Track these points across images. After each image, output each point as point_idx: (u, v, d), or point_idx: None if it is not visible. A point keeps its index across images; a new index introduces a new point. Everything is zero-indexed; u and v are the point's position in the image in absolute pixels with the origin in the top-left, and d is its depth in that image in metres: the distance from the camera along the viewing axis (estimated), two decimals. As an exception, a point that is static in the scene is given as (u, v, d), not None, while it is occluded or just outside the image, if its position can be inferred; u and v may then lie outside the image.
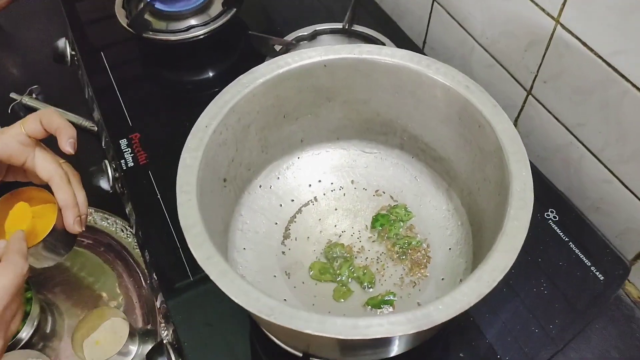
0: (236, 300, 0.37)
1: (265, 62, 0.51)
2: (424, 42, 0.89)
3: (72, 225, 0.50)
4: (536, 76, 0.68)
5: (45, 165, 0.49)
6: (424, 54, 0.88)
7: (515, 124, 0.75)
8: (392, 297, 0.52)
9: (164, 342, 0.56)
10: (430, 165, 0.58)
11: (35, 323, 0.65)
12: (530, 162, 0.71)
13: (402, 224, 0.57)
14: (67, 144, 0.50)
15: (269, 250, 0.55)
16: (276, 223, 0.57)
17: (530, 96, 0.71)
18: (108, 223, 0.76)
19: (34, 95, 0.90)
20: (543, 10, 0.62)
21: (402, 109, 0.55)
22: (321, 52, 0.51)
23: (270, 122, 0.55)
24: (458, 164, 0.54)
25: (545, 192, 0.65)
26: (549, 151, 0.71)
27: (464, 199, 0.55)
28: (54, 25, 0.99)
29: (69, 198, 0.49)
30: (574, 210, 0.63)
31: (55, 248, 0.53)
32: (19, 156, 0.49)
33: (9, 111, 0.88)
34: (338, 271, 0.54)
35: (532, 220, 0.62)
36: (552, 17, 0.61)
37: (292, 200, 0.59)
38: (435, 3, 0.82)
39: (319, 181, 0.60)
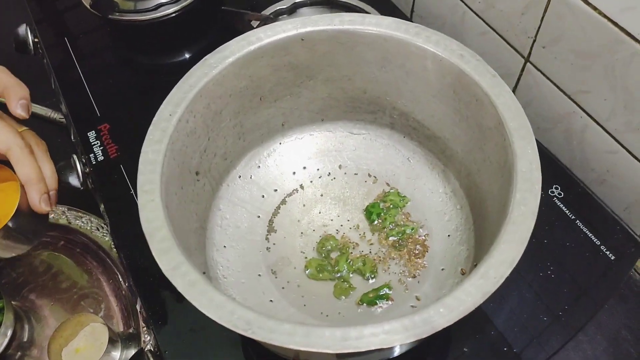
0: (208, 315, 0.32)
1: (235, 39, 0.46)
2: (412, 11, 0.84)
3: (39, 204, 0.42)
4: (534, 41, 0.63)
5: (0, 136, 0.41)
6: (412, 21, 0.83)
7: (515, 90, 0.70)
8: (387, 291, 0.48)
9: (145, 349, 0.52)
10: (423, 144, 0.54)
11: (9, 333, 0.61)
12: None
13: (399, 210, 0.52)
14: (19, 107, 0.42)
15: (253, 246, 0.51)
16: (259, 216, 0.52)
17: (528, 63, 0.65)
18: (82, 222, 0.71)
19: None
20: (541, -34, 0.57)
21: (391, 85, 0.50)
22: (297, 24, 0.46)
23: (245, 105, 0.49)
24: (454, 142, 0.49)
25: (548, 167, 0.60)
26: (550, 122, 0.66)
27: (462, 181, 0.50)
28: (17, 12, 0.92)
29: (31, 172, 0.42)
30: (579, 185, 0.59)
31: (22, 233, 0.46)
32: None
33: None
34: (336, 267, 0.49)
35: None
36: (551, -26, 0.56)
37: (275, 190, 0.54)
38: (422, -33, 0.76)
39: (304, 168, 0.55)
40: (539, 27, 0.61)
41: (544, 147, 0.64)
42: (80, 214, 0.71)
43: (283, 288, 0.48)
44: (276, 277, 0.49)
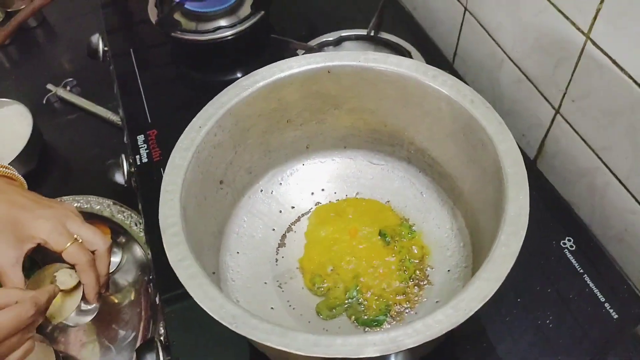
0: (200, 304, 0.36)
1: (268, 65, 0.50)
2: (455, 54, 0.87)
3: (92, 301, 0.55)
4: (565, 94, 0.64)
5: (73, 254, 0.52)
6: (454, 66, 0.86)
7: (542, 144, 0.72)
8: (382, 317, 0.50)
9: (155, 339, 0.56)
10: (436, 181, 0.56)
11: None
12: (554, 186, 0.68)
13: (403, 239, 0.55)
14: (93, 297, 0.54)
15: (263, 256, 0.55)
16: (274, 229, 0.56)
17: (558, 115, 0.67)
18: (124, 216, 0.77)
19: (68, 88, 0.93)
20: (573, 24, 0.58)
21: (410, 121, 0.53)
22: (325, 57, 0.50)
23: (272, 126, 0.54)
24: (463, 182, 0.52)
25: (565, 219, 0.61)
26: (575, 174, 0.67)
27: (468, 220, 0.52)
28: (93, 22, 1.02)
29: (91, 282, 0.53)
30: (593, 240, 0.59)
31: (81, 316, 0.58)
32: (55, 246, 0.52)
33: (44, 102, 0.92)
34: (347, 294, 0.52)
35: (546, 248, 0.59)
36: (583, 32, 0.57)
37: (293, 208, 0.58)
38: (467, 12, 0.79)
39: (322, 190, 0.59)
40: (570, 81, 0.62)
41: (563, 199, 0.64)
42: (122, 208, 0.77)
43: (288, 301, 0.52)
44: (281, 289, 0.53)
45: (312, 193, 0.59)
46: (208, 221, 0.50)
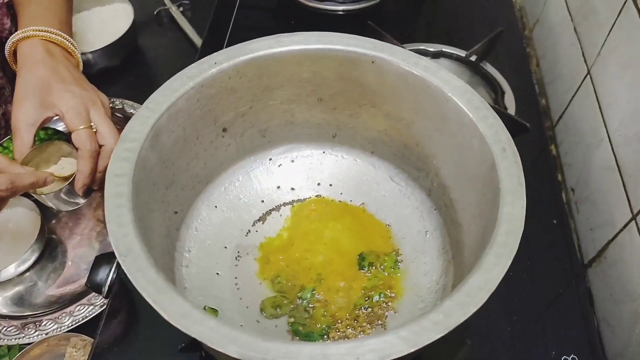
0: (123, 265, 0.33)
1: (316, 33, 0.47)
2: (561, 116, 0.76)
3: (77, 189, 0.52)
4: (649, 201, 0.53)
5: (81, 138, 0.51)
6: (555, 128, 0.76)
7: (606, 247, 0.60)
8: (317, 337, 0.45)
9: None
10: (447, 225, 0.49)
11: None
12: (594, 302, 0.58)
13: (383, 272, 0.49)
14: (80, 187, 0.52)
15: (238, 221, 0.52)
16: (263, 201, 0.53)
17: (634, 221, 0.56)
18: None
19: (181, 9, 0.96)
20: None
21: (441, 149, 0.47)
22: (374, 46, 0.45)
23: (301, 98, 0.50)
24: (468, 236, 0.44)
25: (586, 337, 0.51)
26: (625, 294, 0.56)
27: (456, 281, 0.45)
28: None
29: (85, 171, 0.51)
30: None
31: (73, 197, 0.56)
32: (69, 123, 0.52)
33: (155, 13, 0.96)
34: (299, 294, 0.48)
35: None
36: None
37: (292, 189, 0.54)
38: (588, 76, 0.69)
39: (330, 185, 0.54)
40: (658, 188, 0.52)
41: (597, 316, 0.54)
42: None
43: (236, 277, 0.48)
44: (237, 260, 0.50)
45: (319, 184, 0.54)
46: (193, 161, 0.48)
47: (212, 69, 0.44)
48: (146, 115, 0.40)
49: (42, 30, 0.55)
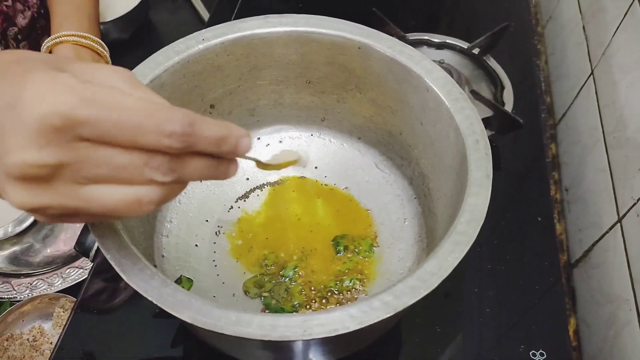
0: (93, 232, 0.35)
1: (305, 16, 0.47)
2: (564, 115, 0.76)
3: None
4: (635, 205, 0.53)
5: None
6: (557, 127, 0.75)
7: (591, 248, 0.60)
8: (291, 311, 0.46)
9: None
10: (425, 215, 0.49)
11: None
12: (575, 305, 0.58)
13: (358, 256, 0.50)
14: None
15: (221, 197, 0.53)
16: (247, 179, 0.54)
17: (618, 224, 0.55)
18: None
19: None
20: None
21: (421, 139, 0.47)
22: (361, 32, 0.46)
23: (290, 80, 0.51)
24: (441, 225, 0.45)
25: (560, 333, 0.51)
26: (604, 296, 0.56)
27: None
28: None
29: None
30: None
31: None
32: None
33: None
34: (282, 272, 0.49)
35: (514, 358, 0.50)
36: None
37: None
38: (592, 76, 0.68)
39: (315, 167, 0.55)
40: (645, 193, 0.51)
41: (578, 316, 0.54)
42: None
43: (215, 252, 0.49)
44: (217, 235, 0.51)
45: (304, 166, 0.55)
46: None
47: (199, 45, 0.45)
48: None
49: (72, 35, 0.59)
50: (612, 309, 0.54)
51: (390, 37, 0.45)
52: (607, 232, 0.57)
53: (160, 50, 0.44)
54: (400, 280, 0.33)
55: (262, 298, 0.47)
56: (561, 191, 0.70)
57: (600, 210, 0.60)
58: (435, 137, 0.45)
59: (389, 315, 0.32)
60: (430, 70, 0.43)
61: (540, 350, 0.49)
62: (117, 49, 0.86)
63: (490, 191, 0.37)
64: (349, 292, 0.47)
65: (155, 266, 0.38)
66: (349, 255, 0.50)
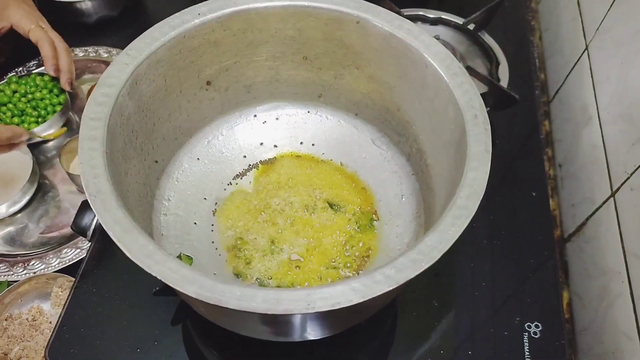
0: (91, 204, 0.34)
1: (300, -10, 0.46)
2: (557, 91, 0.76)
3: (49, 71, 0.68)
4: (628, 179, 0.53)
5: (37, 33, 0.66)
6: (551, 104, 0.76)
7: (585, 223, 0.61)
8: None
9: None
10: (422, 190, 0.50)
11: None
12: (568, 279, 0.59)
13: (359, 233, 0.50)
14: (66, 84, 0.68)
15: (219, 175, 0.53)
16: (245, 156, 0.54)
17: (612, 199, 0.56)
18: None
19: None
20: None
21: (419, 115, 0.47)
22: (359, 6, 0.45)
23: (287, 56, 0.50)
24: (439, 201, 0.45)
25: (553, 306, 0.52)
26: (596, 269, 0.57)
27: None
28: None
29: (48, 54, 0.66)
30: (563, 337, 0.50)
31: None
32: (24, 27, 0.67)
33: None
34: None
35: (508, 328, 0.51)
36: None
37: (275, 147, 0.55)
38: (586, 52, 0.68)
39: (312, 144, 0.55)
40: (638, 167, 0.52)
41: (571, 290, 0.55)
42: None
43: (212, 225, 0.50)
44: (214, 212, 0.51)
45: (302, 142, 0.55)
46: (175, 112, 0.48)
47: (195, 20, 0.44)
48: (125, 61, 0.41)
49: None
50: (604, 281, 0.55)
51: (389, 11, 0.45)
52: (600, 206, 0.58)
53: (156, 25, 0.43)
54: (402, 253, 0.33)
55: (258, 281, 0.48)
56: (555, 167, 0.71)
57: (594, 185, 0.60)
58: (433, 113, 0.45)
59: (391, 288, 0.32)
60: (429, 45, 0.43)
61: (535, 323, 0.50)
62: (107, 27, 0.85)
63: (489, 165, 0.37)
64: (348, 271, 0.48)
65: (156, 244, 0.38)
66: (347, 216, 0.50)
